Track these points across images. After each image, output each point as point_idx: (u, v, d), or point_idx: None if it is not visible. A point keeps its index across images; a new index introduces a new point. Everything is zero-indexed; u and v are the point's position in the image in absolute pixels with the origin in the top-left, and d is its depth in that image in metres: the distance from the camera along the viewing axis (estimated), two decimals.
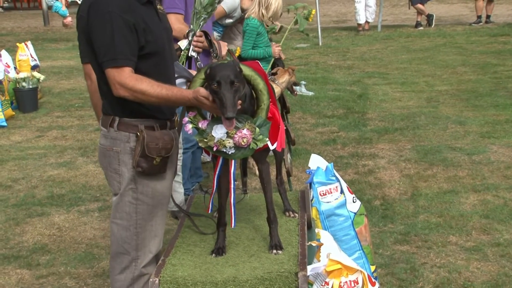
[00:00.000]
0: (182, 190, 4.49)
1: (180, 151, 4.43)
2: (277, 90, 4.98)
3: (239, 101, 2.67)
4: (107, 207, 5.01)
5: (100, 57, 2.54)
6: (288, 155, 4.69)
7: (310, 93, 8.43)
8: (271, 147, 3.06)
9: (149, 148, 2.63)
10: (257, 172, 5.23)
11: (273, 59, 5.61)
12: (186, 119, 2.85)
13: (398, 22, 15.81)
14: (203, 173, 5.19)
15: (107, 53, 2.51)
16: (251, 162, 5.36)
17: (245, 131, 2.78)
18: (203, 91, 2.59)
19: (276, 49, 5.51)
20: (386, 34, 13.71)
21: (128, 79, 2.51)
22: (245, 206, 3.58)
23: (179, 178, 4.46)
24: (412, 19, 15.30)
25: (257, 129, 2.80)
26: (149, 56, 2.61)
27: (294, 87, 5.36)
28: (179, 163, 4.45)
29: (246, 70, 2.87)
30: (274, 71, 5.20)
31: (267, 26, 5.67)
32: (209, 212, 3.04)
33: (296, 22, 5.40)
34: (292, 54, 11.93)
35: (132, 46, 2.54)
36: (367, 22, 14.22)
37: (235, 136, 2.77)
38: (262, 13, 5.51)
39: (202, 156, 5.25)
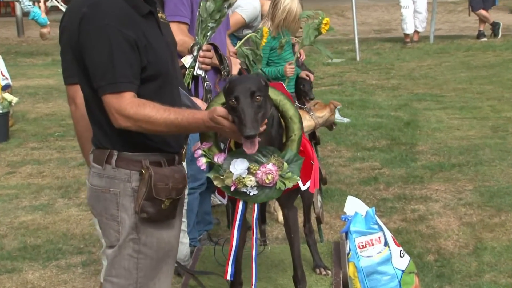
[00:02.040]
0: (187, 241, 4.49)
1: (186, 191, 4.46)
2: (310, 124, 5.04)
3: (265, 121, 2.71)
4: (93, 261, 5.02)
5: (96, 80, 2.58)
6: (318, 197, 4.71)
7: (346, 120, 8.46)
8: (303, 188, 3.10)
9: (157, 188, 2.65)
10: (279, 218, 5.31)
11: (290, 79, 5.65)
12: (199, 151, 2.92)
13: (456, 32, 15.89)
14: (213, 219, 5.20)
15: (105, 76, 2.56)
16: (273, 205, 5.41)
17: (270, 166, 2.82)
18: (220, 110, 2.63)
19: (288, 68, 5.53)
20: (440, 46, 13.76)
21: (129, 106, 2.55)
22: (265, 260, 3.58)
23: (183, 225, 4.42)
24: (473, 28, 15.34)
25: (285, 164, 2.85)
26: (150, 79, 2.66)
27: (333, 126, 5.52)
28: (184, 206, 4.46)
29: (273, 93, 2.93)
30: (312, 104, 5.27)
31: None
32: (228, 278, 3.03)
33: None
34: (323, 71, 11.98)
35: (134, 67, 2.58)
36: (416, 32, 14.26)
37: (258, 172, 2.81)
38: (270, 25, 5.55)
39: (212, 198, 5.28)
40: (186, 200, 4.53)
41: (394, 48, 14.01)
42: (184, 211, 4.48)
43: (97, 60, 2.56)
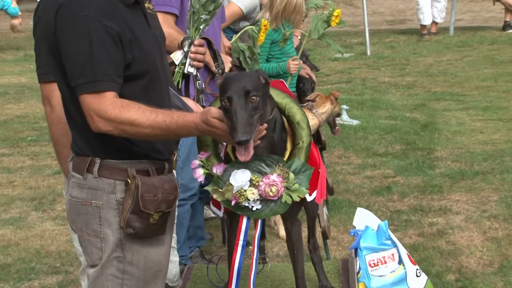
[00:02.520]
0: (176, 259, 4.46)
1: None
2: (314, 122, 5.02)
3: (264, 125, 2.72)
4: (71, 282, 5.01)
5: (74, 78, 2.57)
6: (325, 209, 4.72)
7: (355, 122, 8.48)
8: (308, 199, 3.12)
9: (144, 200, 2.66)
10: (281, 233, 5.31)
11: (293, 77, 5.66)
12: (196, 162, 2.95)
13: (479, 22, 15.91)
14: (206, 234, 5.20)
15: (83, 73, 2.55)
16: (273, 219, 5.41)
17: (274, 177, 2.84)
18: (215, 111, 2.63)
19: (291, 64, 5.55)
20: (461, 39, 13.80)
21: (110, 107, 2.54)
22: (265, 280, 3.58)
23: (173, 241, 4.46)
24: (498, 18, 15.36)
25: (292, 175, 2.88)
26: (136, 78, 2.66)
27: (336, 120, 5.42)
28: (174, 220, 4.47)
29: (277, 95, 2.96)
30: (312, 97, 5.23)
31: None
32: None
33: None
34: (329, 67, 11.99)
35: (117, 64, 2.58)
36: (434, 22, 14.24)
37: (261, 183, 2.83)
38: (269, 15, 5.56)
39: (205, 210, 5.25)
40: (176, 213, 4.55)
41: (409, 41, 14.03)
42: (174, 226, 4.51)
43: (75, 55, 2.55)
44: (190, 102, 3.38)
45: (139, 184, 2.64)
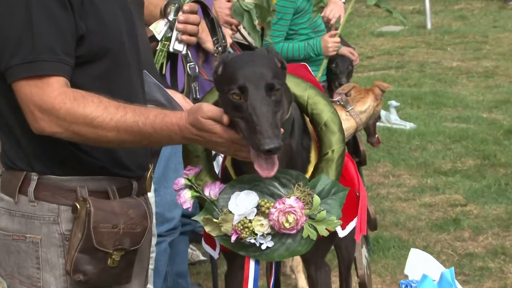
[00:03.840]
0: None
1: (153, 240, 4.44)
2: (350, 125, 5.01)
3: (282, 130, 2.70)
4: None
5: (4, 58, 2.58)
6: (364, 250, 4.67)
7: (408, 126, 8.51)
8: (341, 234, 3.14)
9: (99, 233, 2.67)
10: (300, 284, 5.34)
11: (325, 61, 5.73)
12: (180, 180, 2.96)
13: None
14: (193, 285, 5.20)
15: (18, 50, 2.55)
16: (289, 263, 5.41)
17: (292, 201, 2.84)
18: (209, 108, 2.64)
19: (330, 42, 5.60)
20: None
21: (58, 99, 2.55)
22: None
23: None
24: None
25: (317, 198, 2.88)
26: (91, 58, 2.68)
27: (376, 124, 5.47)
28: (150, 266, 4.44)
29: (297, 85, 2.99)
30: (345, 89, 5.20)
31: None
32: None
33: None
34: (372, 46, 12.07)
35: (66, 37, 2.59)
36: None
37: (273, 210, 2.82)
38: None
39: (190, 251, 5.29)
40: (153, 255, 4.53)
41: (488, 9, 14.09)
42: (150, 272, 4.49)
43: (6, 26, 2.58)
44: (177, 96, 3.37)
45: (92, 210, 2.65)
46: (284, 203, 2.83)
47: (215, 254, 3.31)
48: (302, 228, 2.86)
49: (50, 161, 2.70)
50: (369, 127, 5.34)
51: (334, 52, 5.66)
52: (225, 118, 2.62)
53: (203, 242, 3.38)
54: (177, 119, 2.62)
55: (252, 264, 3.00)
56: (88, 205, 2.64)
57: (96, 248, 2.65)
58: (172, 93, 3.26)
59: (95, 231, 2.64)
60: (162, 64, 3.80)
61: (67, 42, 2.59)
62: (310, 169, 3.04)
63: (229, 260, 3.23)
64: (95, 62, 2.68)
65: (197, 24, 3.79)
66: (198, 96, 3.72)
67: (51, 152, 2.68)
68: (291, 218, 2.82)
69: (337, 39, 5.62)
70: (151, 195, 3.21)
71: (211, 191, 2.91)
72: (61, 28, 2.57)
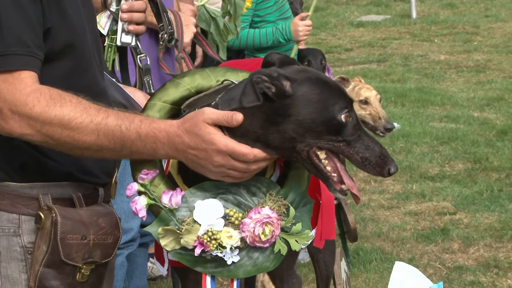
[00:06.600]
0: None
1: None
2: None
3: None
4: None
5: None
6: (343, 264, 4.77)
7: (395, 126, 8.40)
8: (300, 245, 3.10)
9: (67, 245, 2.69)
10: None
11: (296, 47, 5.79)
12: (133, 186, 2.89)
13: None
14: None
15: None
16: (260, 278, 5.40)
17: (267, 211, 2.80)
18: (213, 111, 2.65)
19: (301, 25, 5.71)
20: None
21: (32, 97, 2.56)
22: None
23: None
24: None
25: (292, 210, 2.87)
26: (56, 56, 2.69)
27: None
28: None
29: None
30: None
31: None
32: None
33: None
34: (351, 37, 12.14)
35: (36, 29, 2.61)
36: None
37: (247, 221, 2.79)
38: None
39: (149, 264, 5.39)
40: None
41: None
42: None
43: None
44: (138, 95, 3.36)
45: (59, 219, 2.68)
46: (260, 213, 2.80)
47: (164, 270, 3.35)
48: (275, 241, 2.84)
49: (9, 166, 2.74)
50: None
51: (306, 37, 5.85)
52: (240, 117, 2.62)
53: (154, 257, 3.32)
54: (166, 125, 2.66)
55: (208, 280, 2.97)
56: (53, 214, 2.68)
57: (64, 262, 2.70)
58: (131, 92, 3.28)
59: (63, 243, 2.68)
60: (113, 60, 3.81)
61: (37, 35, 2.64)
62: (269, 174, 2.99)
63: (182, 277, 3.23)
64: (59, 61, 2.73)
65: (144, 11, 3.80)
66: (151, 91, 3.71)
67: (9, 156, 2.73)
68: (268, 229, 2.80)
69: (308, 22, 5.80)
70: None
71: (173, 198, 2.83)
72: (31, 20, 2.62)
